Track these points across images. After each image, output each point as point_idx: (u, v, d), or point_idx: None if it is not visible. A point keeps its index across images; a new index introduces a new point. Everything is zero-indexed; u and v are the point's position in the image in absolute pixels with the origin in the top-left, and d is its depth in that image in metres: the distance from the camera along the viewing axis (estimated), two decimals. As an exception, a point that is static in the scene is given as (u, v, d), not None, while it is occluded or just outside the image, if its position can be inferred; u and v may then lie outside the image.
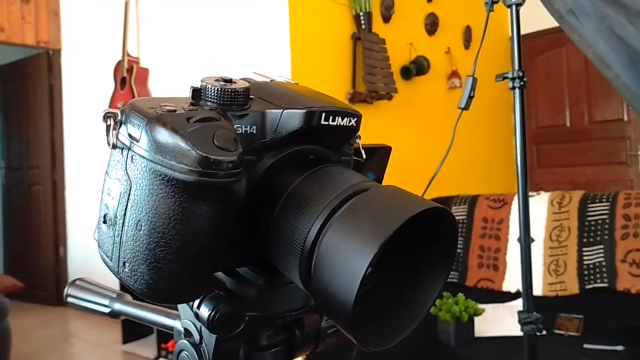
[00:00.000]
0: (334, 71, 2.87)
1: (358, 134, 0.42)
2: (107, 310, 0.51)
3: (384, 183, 0.51)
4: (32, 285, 3.63)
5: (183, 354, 0.40)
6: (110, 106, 3.40)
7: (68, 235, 4.12)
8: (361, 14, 2.89)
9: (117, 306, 0.51)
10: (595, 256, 2.11)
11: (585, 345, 1.73)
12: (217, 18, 2.99)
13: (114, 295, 0.51)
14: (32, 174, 4.31)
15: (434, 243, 0.35)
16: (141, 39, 3.45)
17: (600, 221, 2.15)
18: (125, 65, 3.35)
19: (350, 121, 0.37)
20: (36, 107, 4.23)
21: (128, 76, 3.33)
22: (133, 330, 2.94)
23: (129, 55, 3.38)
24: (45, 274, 4.10)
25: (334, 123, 0.36)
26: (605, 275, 2.06)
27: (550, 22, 1.34)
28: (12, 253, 4.56)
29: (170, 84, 3.26)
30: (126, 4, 3.38)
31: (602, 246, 2.11)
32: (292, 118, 0.35)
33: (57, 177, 4.12)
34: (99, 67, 3.65)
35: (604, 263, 2.07)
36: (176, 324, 0.42)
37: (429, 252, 0.35)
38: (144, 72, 3.39)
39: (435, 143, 2.99)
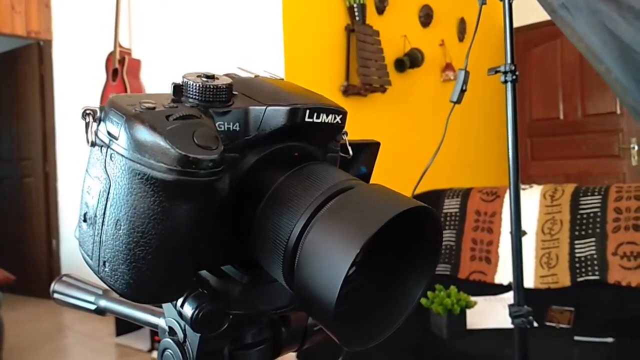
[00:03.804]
0: (328, 63, 2.85)
1: (345, 130, 0.42)
2: (92, 307, 0.51)
3: (373, 178, 0.51)
4: (25, 278, 3.61)
5: (167, 352, 0.40)
6: (101, 98, 3.37)
7: (60, 227, 4.10)
8: (355, 5, 2.87)
9: (103, 303, 0.50)
10: (587, 249, 2.12)
11: (576, 337, 1.74)
12: (209, 9, 2.96)
13: (100, 292, 0.51)
14: (24, 166, 4.27)
15: (418, 242, 0.35)
16: (133, 29, 3.42)
17: (592, 214, 2.16)
18: (117, 56, 3.32)
19: (335, 118, 0.37)
20: (27, 98, 4.18)
21: (120, 67, 3.30)
22: (126, 322, 2.92)
23: (120, 46, 3.35)
24: (38, 266, 4.08)
25: (319, 120, 0.36)
26: (596, 268, 2.07)
27: (545, 15, 1.33)
28: (3, 245, 4.53)
29: (162, 75, 3.24)
30: (118, -6, 3.34)
31: (593, 239, 2.12)
32: (275, 115, 0.35)
33: (49, 169, 4.09)
34: (91, 58, 3.62)
35: (595, 256, 2.09)
36: (160, 322, 0.42)
37: (414, 251, 0.35)
38: (136, 64, 3.36)
39: (429, 136, 2.99)
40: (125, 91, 3.24)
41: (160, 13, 3.24)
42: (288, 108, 0.35)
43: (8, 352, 2.61)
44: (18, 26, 3.92)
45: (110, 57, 3.38)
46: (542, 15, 1.77)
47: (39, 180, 4.13)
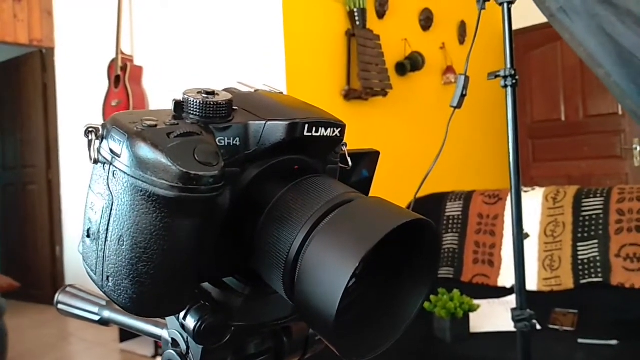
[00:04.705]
0: (329, 68, 2.86)
1: (344, 142, 0.42)
2: (96, 317, 0.52)
3: (375, 184, 0.52)
4: (29, 285, 3.62)
5: (170, 364, 0.40)
6: (104, 105, 3.39)
7: (64, 234, 4.11)
8: (355, 10, 2.88)
9: (107, 314, 0.51)
10: (590, 251, 2.12)
11: (580, 340, 1.74)
12: (211, 15, 2.98)
13: (104, 303, 0.52)
14: (27, 174, 4.29)
15: (417, 253, 0.35)
16: (135, 36, 3.44)
17: (594, 216, 2.16)
18: (119, 63, 3.33)
19: (334, 131, 0.37)
20: (30, 106, 4.21)
21: (122, 74, 3.32)
22: (130, 329, 2.95)
23: (122, 53, 3.37)
24: (42, 273, 4.09)
25: (318, 134, 0.36)
26: (599, 270, 2.06)
27: (545, 17, 1.34)
28: (8, 253, 4.55)
29: (164, 81, 3.25)
30: (119, 2, 3.36)
31: (596, 241, 2.11)
32: (275, 130, 0.35)
33: (52, 177, 4.11)
34: (93, 65, 3.63)
35: (598, 258, 2.08)
36: (164, 334, 0.43)
37: (413, 262, 0.35)
38: (138, 70, 3.38)
39: (431, 139, 2.99)
40: (128, 98, 3.25)
41: (162, 20, 3.26)
42: (287, 123, 0.35)
43: (12, 359, 2.62)
44: (21, 34, 3.95)
45: (112, 64, 3.40)
46: (542, 18, 1.78)
47: (43, 188, 4.14)
